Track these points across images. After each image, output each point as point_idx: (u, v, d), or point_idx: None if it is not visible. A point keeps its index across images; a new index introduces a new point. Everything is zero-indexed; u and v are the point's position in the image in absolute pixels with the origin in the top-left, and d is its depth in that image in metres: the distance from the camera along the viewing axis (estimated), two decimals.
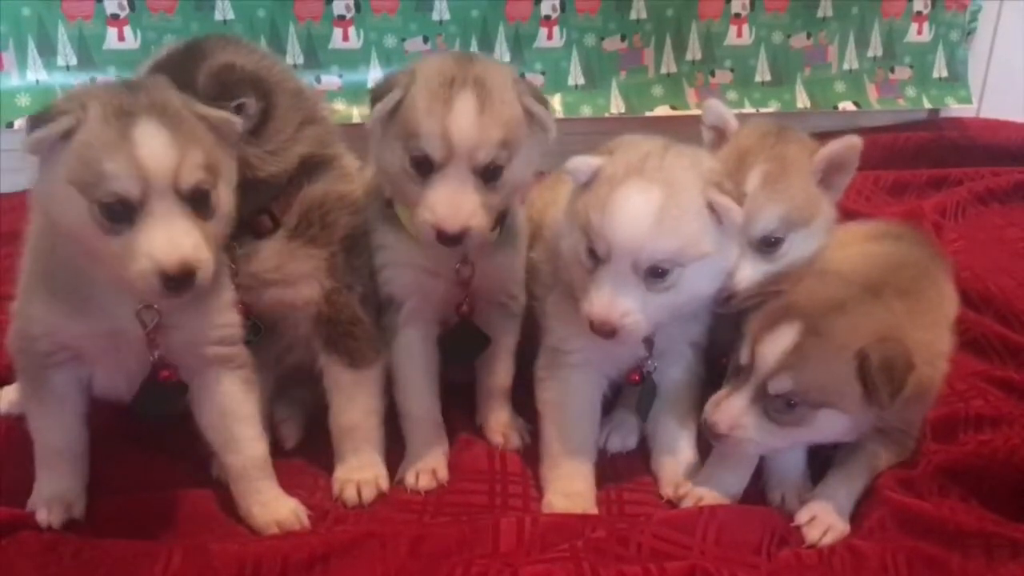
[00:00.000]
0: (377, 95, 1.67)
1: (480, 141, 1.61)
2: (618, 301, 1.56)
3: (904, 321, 1.58)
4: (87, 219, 1.37)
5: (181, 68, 1.59)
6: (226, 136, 1.50)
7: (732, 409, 1.57)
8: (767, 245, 1.74)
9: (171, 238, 1.36)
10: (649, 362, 1.76)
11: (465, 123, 1.60)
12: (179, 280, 1.36)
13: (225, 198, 1.47)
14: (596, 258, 1.59)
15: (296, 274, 1.72)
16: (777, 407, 1.55)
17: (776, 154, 1.76)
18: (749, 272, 1.72)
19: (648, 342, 1.73)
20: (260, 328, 1.74)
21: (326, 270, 1.73)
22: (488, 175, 1.64)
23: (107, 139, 1.35)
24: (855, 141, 1.78)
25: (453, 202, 1.61)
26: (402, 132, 1.63)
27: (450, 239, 1.62)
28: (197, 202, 1.41)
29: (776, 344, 1.53)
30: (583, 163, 1.64)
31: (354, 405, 1.78)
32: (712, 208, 1.57)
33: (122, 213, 1.36)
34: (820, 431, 1.59)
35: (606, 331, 1.57)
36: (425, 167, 1.62)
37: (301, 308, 1.75)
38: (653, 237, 1.54)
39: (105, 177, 1.34)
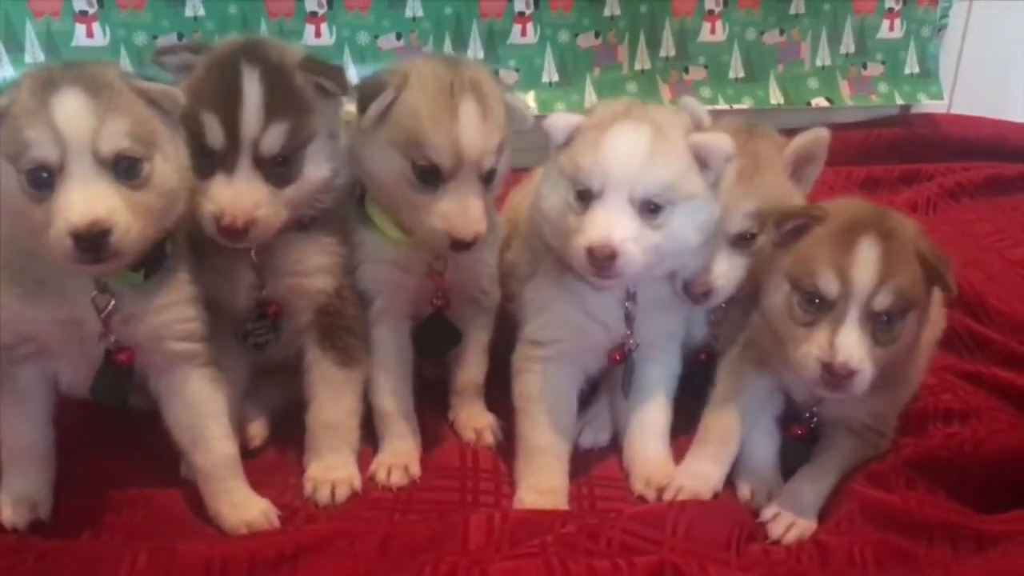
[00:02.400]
0: (366, 95, 1.66)
1: (486, 149, 1.64)
2: (617, 226, 1.57)
3: None
4: (18, 191, 1.38)
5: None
6: (168, 110, 1.49)
7: (853, 342, 1.51)
8: (743, 240, 1.76)
9: (85, 199, 1.36)
10: (631, 340, 1.76)
11: (473, 132, 1.62)
12: (90, 240, 1.35)
13: (163, 171, 1.45)
14: (587, 199, 1.60)
15: (315, 266, 1.74)
16: (880, 326, 1.53)
17: (749, 151, 1.78)
18: (726, 267, 1.74)
19: (629, 318, 1.74)
20: (278, 327, 1.76)
21: (341, 266, 1.76)
22: (487, 179, 1.67)
23: (30, 108, 1.37)
24: (822, 133, 1.81)
25: (466, 211, 1.63)
26: (402, 139, 1.63)
27: (465, 246, 1.64)
28: (124, 170, 1.40)
29: (868, 258, 1.53)
30: (562, 120, 1.68)
31: (339, 404, 1.78)
32: (696, 153, 1.62)
33: (45, 180, 1.37)
34: (903, 343, 1.58)
35: (606, 254, 1.55)
36: (432, 177, 1.63)
37: (312, 297, 1.75)
38: (648, 169, 1.58)
39: (27, 144, 1.36)
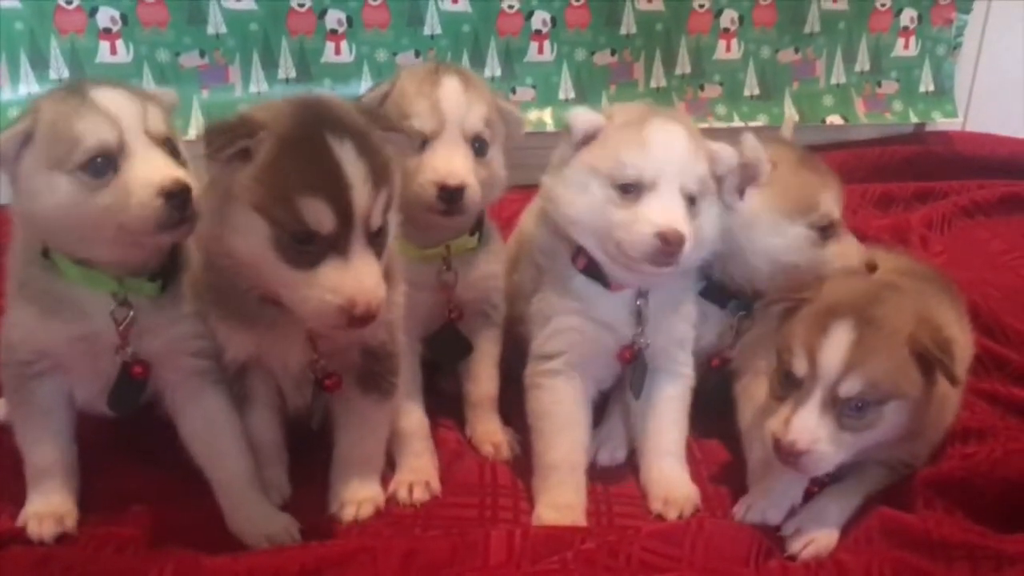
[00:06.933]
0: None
1: (470, 113, 1.78)
2: (676, 212, 1.64)
3: (931, 302, 1.64)
4: (72, 191, 1.43)
5: None
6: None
7: (807, 423, 1.52)
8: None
9: (161, 166, 1.45)
10: (641, 339, 1.77)
11: (455, 98, 1.77)
12: (177, 194, 1.43)
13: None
14: (633, 191, 1.65)
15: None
16: (848, 412, 1.52)
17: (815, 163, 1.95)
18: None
19: (640, 317, 1.76)
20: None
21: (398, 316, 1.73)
22: (477, 146, 1.79)
23: (71, 109, 1.45)
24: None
25: (450, 162, 1.74)
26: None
27: (452, 193, 1.72)
28: (170, 151, 1.50)
29: (837, 345, 1.52)
30: (585, 117, 1.74)
31: (374, 437, 1.77)
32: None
33: (104, 164, 1.43)
34: (886, 429, 1.56)
35: (677, 239, 1.61)
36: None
37: (366, 345, 1.68)
38: (691, 161, 1.68)
39: (81, 138, 1.42)
